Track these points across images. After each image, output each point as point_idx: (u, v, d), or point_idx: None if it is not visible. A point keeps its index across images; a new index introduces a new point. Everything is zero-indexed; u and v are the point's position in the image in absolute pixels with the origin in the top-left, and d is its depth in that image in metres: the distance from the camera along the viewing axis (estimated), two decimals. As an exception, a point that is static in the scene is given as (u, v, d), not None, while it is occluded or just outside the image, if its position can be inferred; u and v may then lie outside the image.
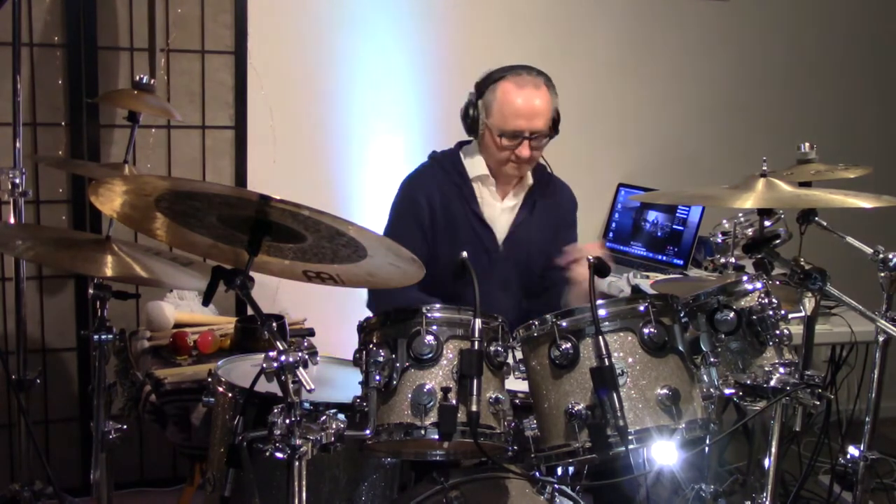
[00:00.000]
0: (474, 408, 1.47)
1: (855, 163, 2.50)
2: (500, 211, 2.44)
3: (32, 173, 2.90)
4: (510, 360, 1.62)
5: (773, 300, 1.67)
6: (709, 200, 2.48)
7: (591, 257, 1.58)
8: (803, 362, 1.69)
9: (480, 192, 2.42)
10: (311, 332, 2.85)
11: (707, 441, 1.88)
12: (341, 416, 1.49)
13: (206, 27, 3.07)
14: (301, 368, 1.41)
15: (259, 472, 1.74)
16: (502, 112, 2.30)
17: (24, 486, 2.62)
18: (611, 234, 3.63)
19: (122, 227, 1.72)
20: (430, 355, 1.53)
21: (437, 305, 1.56)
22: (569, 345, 1.52)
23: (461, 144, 2.50)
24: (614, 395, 1.46)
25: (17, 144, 2.60)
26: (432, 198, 2.38)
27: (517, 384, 1.66)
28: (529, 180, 2.47)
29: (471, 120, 2.37)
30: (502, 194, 2.45)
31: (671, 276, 3.08)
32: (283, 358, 1.39)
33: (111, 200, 1.50)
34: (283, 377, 1.40)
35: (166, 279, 2.02)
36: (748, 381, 1.65)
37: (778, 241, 1.84)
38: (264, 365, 1.40)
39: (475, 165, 2.42)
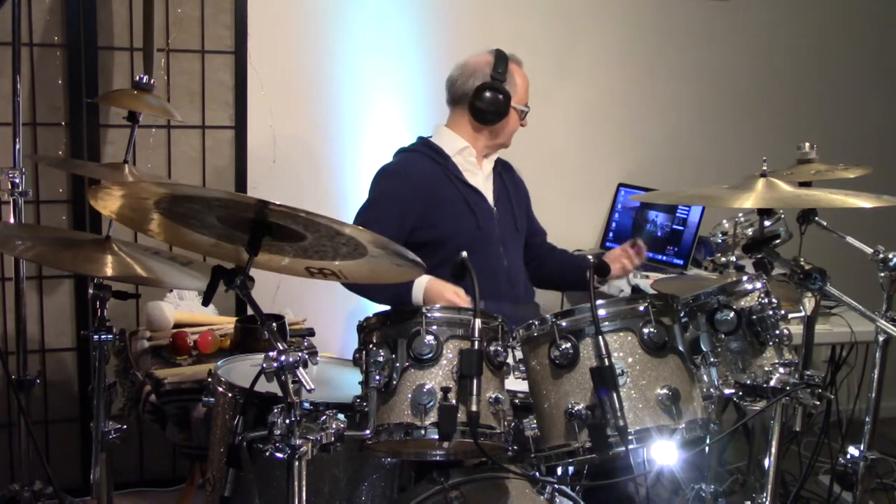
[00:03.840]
0: (474, 408, 1.46)
1: (855, 163, 2.50)
2: (483, 178, 2.63)
3: (32, 173, 2.90)
4: (510, 360, 1.62)
5: (773, 300, 1.67)
6: (709, 200, 2.48)
7: (590, 257, 1.59)
8: (803, 362, 1.69)
9: (462, 164, 2.59)
10: (311, 332, 2.85)
11: (707, 441, 1.88)
12: (341, 416, 1.49)
13: (206, 27, 3.07)
14: (301, 368, 1.41)
15: (259, 472, 1.74)
16: (520, 92, 2.58)
17: (24, 486, 2.62)
18: (611, 234, 3.63)
19: (122, 226, 1.72)
20: (430, 355, 1.53)
21: (437, 305, 1.56)
22: (569, 345, 1.52)
23: (421, 137, 2.67)
24: (614, 395, 1.46)
25: (17, 144, 2.59)
26: (417, 182, 2.50)
27: (517, 384, 1.66)
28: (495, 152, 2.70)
29: (499, 107, 2.52)
30: (479, 164, 2.64)
31: (671, 275, 3.08)
32: (283, 358, 1.39)
33: (110, 203, 1.51)
34: (283, 377, 1.40)
35: (166, 279, 2.01)
36: (748, 381, 1.65)
37: (778, 241, 1.84)
38: (264, 365, 1.40)
39: (452, 142, 2.58)
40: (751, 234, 2.00)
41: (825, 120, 3.90)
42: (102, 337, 2.05)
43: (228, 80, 3.12)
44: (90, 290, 2.04)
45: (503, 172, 2.71)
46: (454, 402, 1.50)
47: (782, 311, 1.68)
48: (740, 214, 2.14)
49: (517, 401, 1.70)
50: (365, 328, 1.62)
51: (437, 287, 2.32)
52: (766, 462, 1.85)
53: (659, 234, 3.45)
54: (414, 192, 2.48)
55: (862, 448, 2.21)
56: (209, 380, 1.92)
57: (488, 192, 2.62)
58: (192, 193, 1.44)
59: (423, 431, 1.51)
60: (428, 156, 2.56)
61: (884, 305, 2.13)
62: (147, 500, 3.15)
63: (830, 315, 2.80)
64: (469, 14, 3.40)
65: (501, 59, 2.54)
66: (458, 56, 2.64)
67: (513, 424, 1.59)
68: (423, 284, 2.34)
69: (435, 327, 1.54)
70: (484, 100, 2.51)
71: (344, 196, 3.32)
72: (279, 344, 1.41)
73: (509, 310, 2.36)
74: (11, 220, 2.49)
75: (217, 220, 1.50)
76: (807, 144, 2.49)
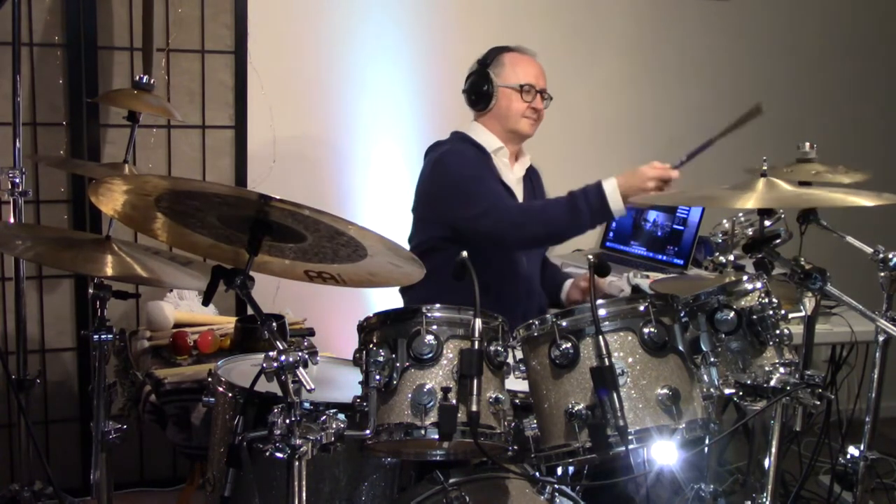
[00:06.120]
0: (474, 408, 1.46)
1: (855, 165, 2.50)
2: (515, 181, 2.60)
3: (32, 173, 2.90)
4: (510, 360, 1.62)
5: (774, 300, 1.67)
6: (709, 200, 2.49)
7: (590, 257, 1.59)
8: (803, 362, 1.69)
9: (498, 163, 2.55)
10: (311, 332, 2.85)
11: (707, 441, 1.88)
12: (341, 416, 1.49)
13: (206, 27, 3.07)
14: (301, 368, 1.41)
15: (259, 472, 1.74)
16: (516, 71, 2.50)
17: (24, 486, 2.62)
18: (611, 234, 3.63)
19: (122, 226, 1.72)
20: (430, 355, 1.53)
21: (437, 305, 1.56)
22: (569, 344, 1.52)
23: (457, 132, 2.60)
24: (614, 395, 1.46)
25: (17, 144, 2.60)
26: (479, 164, 2.49)
27: (517, 384, 1.66)
28: (528, 154, 2.66)
29: (482, 89, 2.51)
30: (511, 166, 2.60)
31: (671, 275, 3.08)
32: (283, 358, 1.40)
33: (112, 200, 1.51)
34: (283, 377, 1.40)
35: (166, 279, 2.01)
36: (748, 381, 1.65)
37: (778, 241, 1.84)
38: (264, 365, 1.40)
39: (489, 140, 2.54)
40: (751, 234, 1.99)
41: (825, 120, 3.90)
42: (102, 337, 2.05)
43: (228, 80, 3.12)
44: (90, 290, 2.04)
45: (532, 178, 2.70)
46: (454, 402, 1.50)
47: (782, 311, 1.68)
48: (740, 214, 2.14)
49: (517, 401, 1.70)
50: (365, 328, 1.62)
51: (630, 180, 2.30)
52: (766, 462, 1.85)
53: (659, 234, 3.44)
54: (482, 170, 2.47)
55: (862, 448, 2.21)
56: (209, 380, 1.92)
57: (519, 195, 2.60)
58: (194, 188, 1.44)
59: (423, 431, 1.50)
60: (474, 149, 2.52)
61: (884, 305, 2.13)
62: (147, 500, 3.15)
63: (830, 315, 2.80)
64: (468, 15, 3.40)
65: (494, 50, 2.55)
66: (457, 56, 2.65)
67: (513, 424, 1.59)
68: (614, 187, 2.29)
69: (435, 327, 1.54)
70: (469, 85, 2.55)
71: (344, 196, 3.32)
72: (279, 344, 1.41)
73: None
74: (11, 220, 2.49)
75: (217, 219, 1.50)
76: (807, 144, 2.50)
